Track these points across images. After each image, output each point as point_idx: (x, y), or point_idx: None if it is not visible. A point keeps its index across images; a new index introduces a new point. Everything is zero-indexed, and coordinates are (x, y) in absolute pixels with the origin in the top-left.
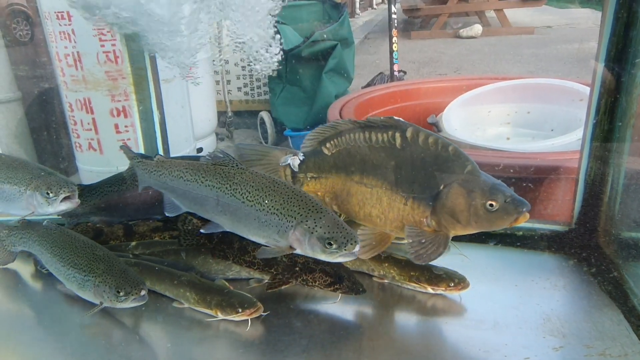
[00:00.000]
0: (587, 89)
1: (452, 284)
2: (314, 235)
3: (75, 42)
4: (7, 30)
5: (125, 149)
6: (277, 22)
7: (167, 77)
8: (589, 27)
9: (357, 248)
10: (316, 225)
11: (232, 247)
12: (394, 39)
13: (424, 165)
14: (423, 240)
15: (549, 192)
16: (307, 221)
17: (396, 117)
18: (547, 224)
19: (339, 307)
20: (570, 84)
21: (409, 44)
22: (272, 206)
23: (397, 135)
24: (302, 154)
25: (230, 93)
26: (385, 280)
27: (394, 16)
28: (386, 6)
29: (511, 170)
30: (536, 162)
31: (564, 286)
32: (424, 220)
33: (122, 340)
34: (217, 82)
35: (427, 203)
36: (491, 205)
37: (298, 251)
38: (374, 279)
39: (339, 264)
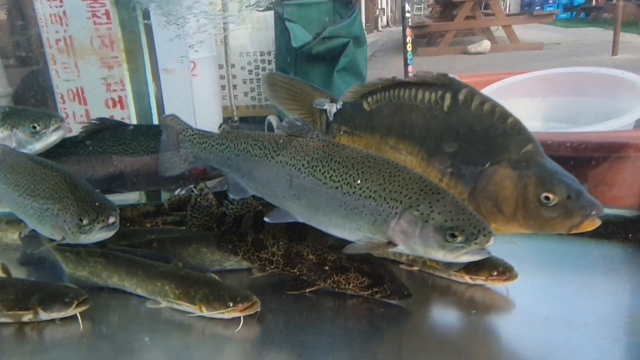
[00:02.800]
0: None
1: (495, 273)
2: (429, 225)
3: (67, 25)
4: None
5: (173, 119)
6: (285, 19)
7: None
8: (599, 43)
9: (491, 241)
10: (432, 211)
11: (244, 239)
12: (408, 38)
13: (472, 135)
14: None
15: (614, 173)
16: (418, 205)
17: (452, 75)
18: (612, 208)
19: (358, 302)
20: (610, 72)
21: (417, 60)
22: (368, 187)
23: (447, 96)
24: (340, 103)
25: (236, 98)
26: (415, 268)
27: (407, 14)
28: (391, 29)
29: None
30: (601, 138)
31: (630, 278)
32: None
33: None
34: (223, 87)
35: (466, 182)
36: (547, 198)
37: (400, 248)
38: (401, 266)
39: (377, 262)
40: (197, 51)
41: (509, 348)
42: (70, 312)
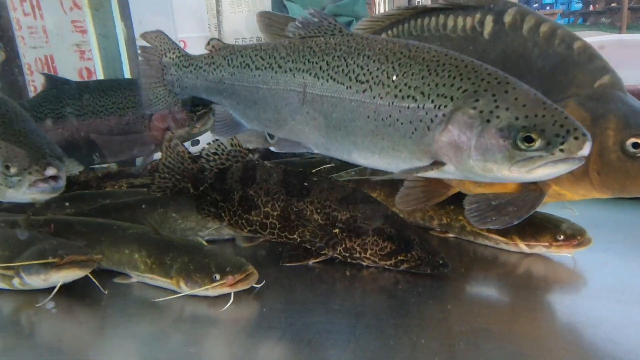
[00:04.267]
0: None
1: (561, 237)
2: (491, 126)
3: None
4: None
5: (157, 36)
6: None
7: None
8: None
9: (587, 147)
10: (497, 106)
11: (229, 198)
12: None
13: (524, 67)
14: (496, 202)
15: None
16: (476, 101)
17: None
18: None
19: (377, 274)
20: None
21: None
22: (405, 83)
23: (488, 19)
24: None
25: None
26: (450, 234)
27: None
28: None
29: None
30: None
31: None
32: None
33: None
34: None
35: None
36: (636, 145)
37: (449, 171)
38: (433, 232)
39: (402, 221)
40: None
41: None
42: None
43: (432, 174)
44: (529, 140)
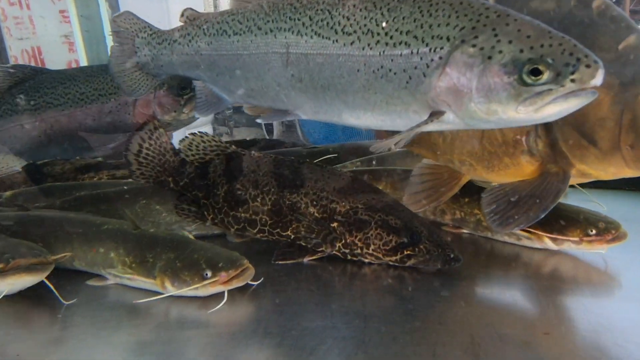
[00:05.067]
0: None
1: (593, 232)
2: (493, 62)
3: None
4: None
5: (127, 17)
6: None
7: None
8: None
9: (600, 75)
10: (499, 40)
11: (213, 195)
12: None
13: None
14: (515, 197)
15: None
16: (475, 37)
17: None
18: None
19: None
20: None
21: None
22: (397, 29)
23: None
24: None
25: None
26: (464, 230)
27: None
28: None
29: None
30: None
31: None
32: (523, 139)
33: None
34: None
35: None
36: None
37: (448, 121)
38: (445, 228)
39: (408, 211)
40: None
41: None
42: None
43: (431, 126)
44: (536, 73)
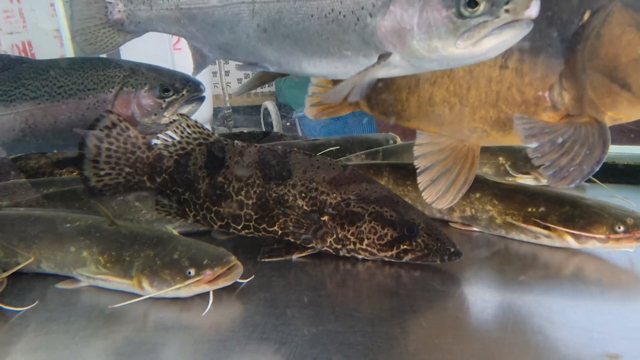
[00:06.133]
0: None
1: (621, 228)
2: None
3: None
4: None
5: None
6: None
7: None
8: None
9: (535, 5)
10: None
11: (194, 190)
12: None
13: None
14: (560, 140)
15: None
16: None
17: None
18: None
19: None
20: None
21: None
22: None
23: None
24: None
25: (229, 86)
26: (474, 228)
27: None
28: None
29: None
30: None
31: None
32: (546, 94)
33: None
34: (215, 74)
35: (553, 55)
36: None
37: (395, 63)
38: (452, 224)
39: (405, 203)
40: None
41: None
42: None
43: (382, 72)
44: (472, 4)
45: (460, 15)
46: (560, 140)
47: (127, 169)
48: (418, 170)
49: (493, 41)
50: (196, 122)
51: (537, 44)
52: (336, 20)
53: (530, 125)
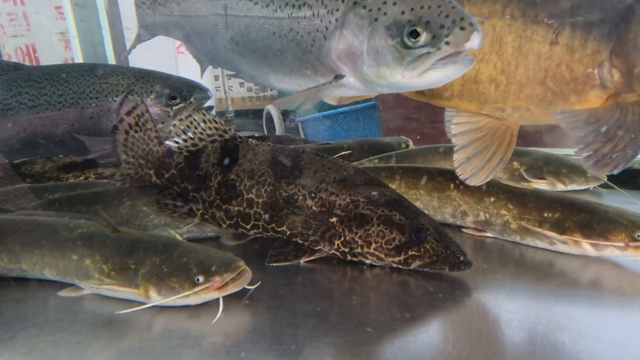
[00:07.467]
0: None
1: None
2: (379, 24)
3: None
4: None
5: None
6: None
7: None
8: None
9: (475, 39)
10: (384, 2)
11: (205, 187)
12: None
13: None
14: (604, 128)
15: None
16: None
17: None
18: None
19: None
20: None
21: None
22: None
23: None
24: None
25: (231, 89)
26: (487, 234)
27: None
28: None
29: None
30: None
31: None
32: (595, 72)
33: None
34: (217, 78)
35: (605, 31)
36: None
37: (349, 85)
38: (465, 230)
39: (415, 208)
40: None
41: None
42: None
43: (337, 92)
44: (415, 35)
45: (404, 45)
46: (604, 128)
47: (141, 160)
48: (455, 148)
49: (437, 74)
50: (214, 117)
51: (589, 18)
52: (295, 39)
53: (574, 118)
